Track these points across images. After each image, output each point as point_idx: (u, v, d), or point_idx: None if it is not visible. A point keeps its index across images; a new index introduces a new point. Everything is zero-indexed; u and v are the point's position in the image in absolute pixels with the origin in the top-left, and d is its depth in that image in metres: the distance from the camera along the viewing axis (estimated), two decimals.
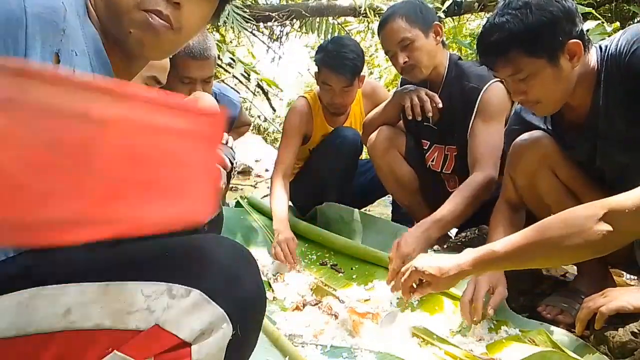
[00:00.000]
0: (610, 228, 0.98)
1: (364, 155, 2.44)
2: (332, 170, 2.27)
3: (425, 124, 1.95)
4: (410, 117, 1.89)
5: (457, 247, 1.84)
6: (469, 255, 1.17)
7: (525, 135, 1.44)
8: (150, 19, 0.73)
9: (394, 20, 1.82)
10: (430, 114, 1.85)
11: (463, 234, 1.94)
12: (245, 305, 0.67)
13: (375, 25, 5.42)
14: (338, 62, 2.09)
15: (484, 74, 1.79)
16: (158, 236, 0.66)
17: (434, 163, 2.00)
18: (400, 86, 2.07)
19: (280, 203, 2.07)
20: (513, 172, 1.50)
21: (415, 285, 1.28)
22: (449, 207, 1.61)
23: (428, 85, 1.94)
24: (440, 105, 1.86)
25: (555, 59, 1.21)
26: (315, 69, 2.26)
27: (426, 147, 2.02)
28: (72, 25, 0.67)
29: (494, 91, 1.78)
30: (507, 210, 1.56)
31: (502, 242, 1.12)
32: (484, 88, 1.78)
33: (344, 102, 2.21)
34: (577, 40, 1.21)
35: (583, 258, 1.12)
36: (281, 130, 2.42)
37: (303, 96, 2.39)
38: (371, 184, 2.42)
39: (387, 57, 1.98)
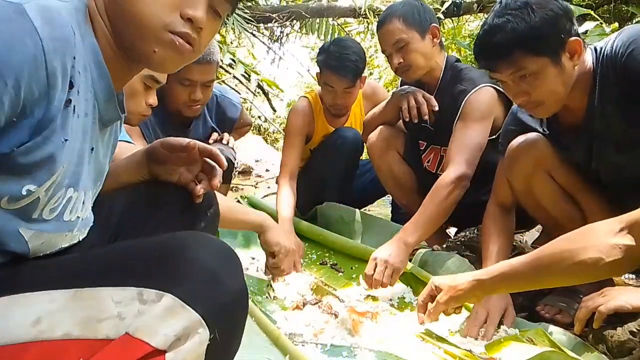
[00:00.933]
0: (630, 242, 0.92)
1: (365, 156, 2.45)
2: (333, 170, 2.27)
3: (422, 124, 1.96)
4: (407, 119, 1.90)
5: (456, 247, 1.84)
6: (487, 270, 1.17)
7: (521, 138, 1.44)
8: (177, 42, 0.73)
9: (391, 22, 1.84)
10: (426, 117, 1.87)
11: (462, 234, 1.94)
12: (225, 308, 0.64)
13: (374, 26, 5.43)
14: (340, 64, 2.10)
15: (476, 77, 1.81)
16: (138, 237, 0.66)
17: (429, 164, 2.02)
18: (400, 87, 2.08)
19: (285, 206, 2.07)
20: (509, 175, 1.50)
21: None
22: (421, 214, 1.65)
23: (425, 87, 1.95)
24: (437, 108, 1.87)
25: (557, 57, 1.21)
26: (317, 70, 2.27)
27: (423, 148, 2.03)
28: (78, 46, 0.66)
29: (480, 95, 1.78)
30: (498, 214, 1.57)
31: (520, 258, 1.09)
32: (471, 91, 1.79)
33: (345, 103, 2.22)
34: (578, 38, 1.22)
35: (602, 275, 1.05)
36: (282, 131, 2.43)
37: (304, 96, 2.40)
38: (372, 184, 2.43)
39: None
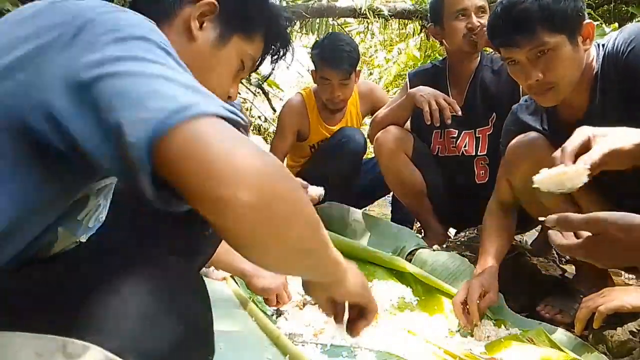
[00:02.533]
0: None
1: (367, 155, 2.45)
2: (336, 170, 2.27)
3: (451, 114, 1.95)
4: (428, 123, 1.88)
5: (456, 247, 1.84)
6: None
7: (521, 137, 1.44)
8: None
9: None
10: (449, 122, 1.86)
11: (462, 234, 1.95)
12: (174, 356, 0.54)
13: (374, 26, 5.43)
14: (335, 55, 2.15)
15: None
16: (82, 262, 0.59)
17: (467, 148, 2.00)
18: (411, 86, 2.05)
19: None
20: (509, 174, 1.50)
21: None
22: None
23: (460, 71, 1.99)
24: (460, 112, 1.88)
25: (574, 36, 1.21)
26: (312, 67, 2.29)
27: (455, 135, 2.02)
28: None
29: None
30: (498, 212, 1.57)
31: None
32: None
33: (343, 95, 2.24)
34: (591, 22, 1.22)
35: None
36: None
37: (299, 92, 2.44)
38: (371, 184, 2.43)
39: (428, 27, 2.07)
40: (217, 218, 0.51)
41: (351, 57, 2.17)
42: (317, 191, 1.61)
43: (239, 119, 0.55)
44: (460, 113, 1.88)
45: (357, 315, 0.79)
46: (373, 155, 2.28)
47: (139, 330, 0.53)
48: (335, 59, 2.15)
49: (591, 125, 1.28)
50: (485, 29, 1.80)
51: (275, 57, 0.95)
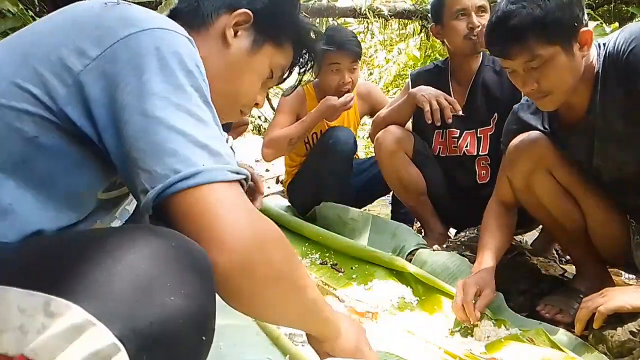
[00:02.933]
0: None
1: (366, 155, 2.44)
2: (327, 171, 2.27)
3: (451, 114, 1.96)
4: (429, 122, 1.88)
5: (456, 247, 1.84)
6: None
7: (521, 136, 1.44)
8: (240, 115, 0.95)
9: None
10: (450, 121, 1.87)
11: (462, 234, 1.95)
12: (160, 331, 0.50)
13: (374, 26, 5.44)
14: (344, 39, 2.21)
15: None
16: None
17: (468, 148, 2.00)
18: (413, 86, 2.05)
19: (291, 127, 2.24)
20: (510, 174, 1.49)
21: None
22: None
23: (464, 71, 2.00)
24: (460, 112, 1.88)
25: (569, 46, 1.21)
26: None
27: (456, 135, 2.01)
28: None
29: None
30: (499, 210, 1.57)
31: None
32: None
33: (353, 80, 2.27)
34: (589, 29, 1.22)
35: None
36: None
37: (301, 87, 2.43)
38: (369, 183, 2.43)
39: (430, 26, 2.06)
40: None
41: (358, 43, 2.26)
42: None
43: (242, 177, 0.63)
44: (461, 112, 1.88)
45: None
46: (368, 155, 2.28)
47: (126, 298, 0.50)
48: (346, 43, 2.20)
49: (592, 124, 1.28)
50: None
51: (303, 68, 1.00)
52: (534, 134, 1.43)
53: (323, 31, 2.34)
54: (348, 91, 2.31)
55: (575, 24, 1.20)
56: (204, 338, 0.55)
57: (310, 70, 1.02)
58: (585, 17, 1.23)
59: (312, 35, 0.97)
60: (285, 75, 0.99)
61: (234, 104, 0.91)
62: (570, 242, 1.55)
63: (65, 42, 0.63)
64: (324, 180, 2.31)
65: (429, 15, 2.10)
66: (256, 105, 0.95)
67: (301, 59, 0.98)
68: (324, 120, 2.36)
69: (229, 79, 0.87)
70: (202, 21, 0.86)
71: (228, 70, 0.87)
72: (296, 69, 0.99)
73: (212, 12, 0.86)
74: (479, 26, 1.85)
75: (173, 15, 0.87)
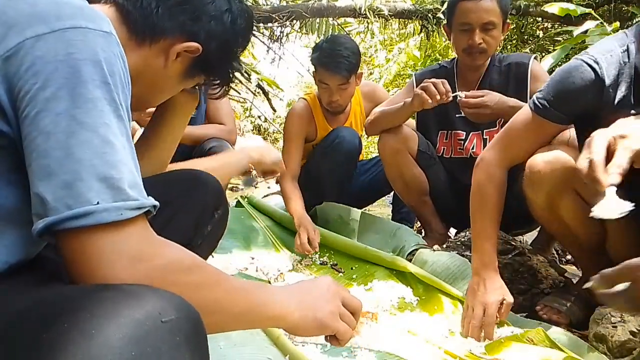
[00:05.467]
0: None
1: (369, 155, 2.44)
2: (331, 171, 2.27)
3: (457, 115, 1.96)
4: (438, 97, 1.77)
5: (456, 247, 1.84)
6: None
7: (545, 154, 1.31)
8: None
9: (491, 0, 1.83)
10: (450, 99, 1.78)
11: (462, 234, 1.94)
12: None
13: (374, 26, 5.43)
14: (333, 60, 2.12)
15: (518, 55, 1.98)
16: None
17: (474, 150, 1.99)
18: (417, 86, 1.97)
19: (297, 202, 2.13)
20: (532, 194, 1.37)
21: None
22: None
23: (470, 73, 1.99)
24: (451, 97, 1.79)
25: None
26: (313, 69, 2.28)
27: (463, 137, 2.01)
28: None
29: (539, 64, 1.93)
30: (501, 178, 1.42)
31: None
32: (530, 60, 1.90)
33: (341, 100, 2.22)
34: None
35: None
36: (282, 131, 2.42)
37: (303, 98, 2.41)
38: (371, 184, 2.43)
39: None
40: None
41: (350, 63, 2.13)
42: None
43: (140, 212, 0.58)
44: (451, 97, 1.80)
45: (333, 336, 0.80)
46: (372, 155, 2.27)
47: None
48: (333, 64, 2.11)
49: None
50: (483, 46, 1.83)
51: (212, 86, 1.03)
52: (557, 152, 1.30)
53: (325, 39, 2.28)
54: (340, 110, 2.30)
55: None
56: None
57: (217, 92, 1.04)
58: None
59: (236, 74, 1.02)
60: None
61: (140, 108, 0.96)
62: (585, 254, 1.48)
63: None
64: (327, 179, 2.31)
65: (429, 15, 2.09)
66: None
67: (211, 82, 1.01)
68: (327, 122, 2.37)
69: (151, 91, 0.92)
70: (151, 32, 0.84)
71: (154, 85, 0.90)
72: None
73: (166, 31, 0.85)
74: (479, 44, 1.83)
75: (120, 10, 0.83)
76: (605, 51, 1.23)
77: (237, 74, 1.03)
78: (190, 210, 1.02)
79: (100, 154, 0.57)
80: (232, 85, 1.07)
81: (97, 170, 0.56)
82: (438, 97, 1.76)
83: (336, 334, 0.78)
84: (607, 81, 1.21)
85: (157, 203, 0.62)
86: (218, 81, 1.00)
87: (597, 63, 1.23)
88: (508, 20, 1.90)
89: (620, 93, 1.21)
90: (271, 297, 0.72)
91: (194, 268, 0.63)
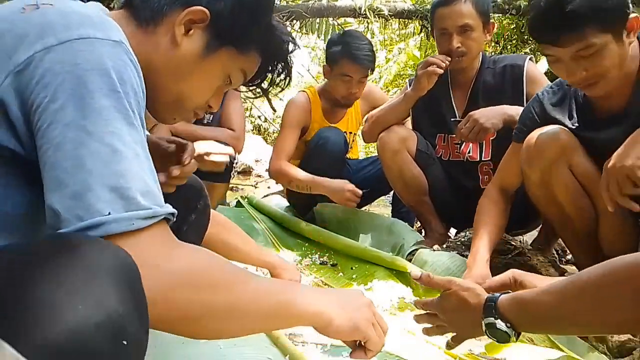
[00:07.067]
0: None
1: (369, 154, 2.44)
2: (319, 172, 2.27)
3: (452, 119, 1.97)
4: (443, 65, 1.84)
5: (456, 247, 1.84)
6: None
7: (543, 130, 1.39)
8: (193, 118, 0.88)
9: (465, 2, 1.84)
10: (448, 60, 1.86)
11: (462, 234, 1.95)
12: (69, 340, 0.46)
13: (374, 26, 5.44)
14: (361, 53, 2.19)
15: (513, 56, 2.00)
16: None
17: (471, 154, 2.00)
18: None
19: (299, 172, 2.20)
20: (528, 167, 1.44)
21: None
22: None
23: (462, 76, 1.99)
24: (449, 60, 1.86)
25: (620, 33, 1.17)
26: (329, 62, 2.30)
27: (459, 142, 2.01)
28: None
29: (534, 65, 1.93)
30: (497, 196, 1.56)
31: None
32: (526, 62, 1.89)
33: (359, 92, 2.28)
34: (637, 15, 1.18)
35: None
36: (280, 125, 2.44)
37: (303, 91, 2.45)
38: (368, 182, 2.44)
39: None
40: None
41: (373, 56, 2.25)
42: (221, 157, 1.55)
43: (154, 222, 0.58)
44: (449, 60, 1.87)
45: (360, 346, 0.77)
46: (368, 155, 2.29)
47: (29, 313, 0.46)
48: (361, 56, 2.19)
49: (632, 117, 1.22)
50: (462, 49, 1.84)
51: (278, 78, 0.92)
52: (556, 127, 1.38)
53: (340, 34, 2.33)
54: (351, 104, 2.35)
55: (627, 10, 1.16)
56: (124, 342, 0.50)
57: (283, 82, 0.93)
58: (630, 4, 1.19)
59: (287, 44, 0.88)
60: (258, 81, 0.92)
61: (179, 105, 0.83)
62: (577, 242, 1.52)
63: None
64: None
65: (429, 15, 2.10)
66: (209, 108, 0.88)
67: (273, 69, 0.90)
68: (325, 117, 2.38)
69: (174, 79, 0.80)
70: (151, 14, 0.77)
71: (174, 70, 0.79)
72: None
73: (165, 6, 0.77)
74: (458, 47, 1.84)
75: (127, 2, 0.80)
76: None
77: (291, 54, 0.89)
78: (174, 202, 1.02)
79: (109, 163, 0.56)
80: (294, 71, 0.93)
81: (107, 180, 0.56)
82: (443, 64, 1.83)
83: (367, 341, 0.76)
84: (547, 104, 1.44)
85: (174, 210, 0.61)
86: (269, 60, 0.87)
87: (542, 93, 1.48)
88: (492, 21, 1.91)
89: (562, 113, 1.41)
90: (303, 295, 0.71)
91: (217, 271, 0.63)
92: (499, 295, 0.87)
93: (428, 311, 1.04)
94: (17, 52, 0.58)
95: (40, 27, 0.59)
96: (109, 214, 0.55)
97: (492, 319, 0.85)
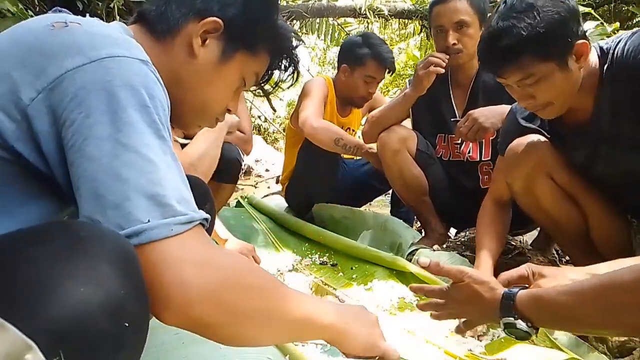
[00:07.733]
0: None
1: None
2: (314, 172, 2.27)
3: (452, 119, 1.97)
4: (443, 64, 1.85)
5: (456, 247, 1.84)
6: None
7: (521, 140, 1.43)
8: (215, 122, 0.92)
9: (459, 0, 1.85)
10: (447, 58, 1.87)
11: (462, 234, 1.95)
12: (71, 321, 0.48)
13: (374, 26, 5.44)
14: (389, 57, 2.25)
15: None
16: None
17: (471, 154, 2.00)
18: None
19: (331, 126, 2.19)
20: (509, 177, 1.49)
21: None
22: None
23: (461, 75, 1.99)
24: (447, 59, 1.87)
25: (564, 61, 1.18)
26: (350, 64, 2.31)
27: (458, 141, 2.02)
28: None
29: None
30: (494, 210, 1.58)
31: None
32: None
33: (374, 93, 2.34)
34: (584, 41, 1.19)
35: None
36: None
37: (322, 77, 2.47)
38: (359, 180, 2.46)
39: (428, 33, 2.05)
40: None
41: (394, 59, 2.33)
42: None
43: (191, 227, 0.60)
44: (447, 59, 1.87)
45: None
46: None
47: (33, 295, 0.48)
48: (389, 60, 2.24)
49: (599, 128, 1.27)
50: (458, 46, 1.85)
51: (285, 73, 0.96)
52: (533, 137, 1.42)
53: (362, 36, 2.34)
54: (363, 105, 2.40)
55: (570, 39, 1.17)
56: (126, 324, 0.52)
57: (291, 76, 0.96)
58: (582, 28, 1.20)
59: (291, 41, 0.92)
60: (265, 79, 0.95)
61: (203, 113, 0.87)
62: (572, 244, 1.55)
63: (10, 70, 0.60)
64: (312, 181, 2.33)
65: (428, 14, 2.11)
66: (228, 111, 0.92)
67: (280, 64, 0.93)
68: (337, 116, 2.39)
69: (196, 89, 0.83)
70: (167, 27, 0.80)
71: (195, 80, 0.82)
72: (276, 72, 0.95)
73: (180, 19, 0.80)
74: (453, 43, 1.85)
75: (140, 17, 0.83)
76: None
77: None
78: None
79: (145, 173, 0.58)
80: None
81: (144, 189, 0.58)
82: (443, 63, 1.83)
83: (384, 354, 0.79)
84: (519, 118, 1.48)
85: (207, 216, 0.63)
86: (277, 56, 0.91)
87: (515, 106, 1.52)
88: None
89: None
90: (322, 306, 0.75)
91: (254, 275, 0.66)
92: (516, 292, 0.87)
93: (434, 299, 1.05)
94: (46, 70, 0.60)
95: (69, 47, 0.61)
96: (149, 221, 0.57)
97: (512, 319, 0.86)
